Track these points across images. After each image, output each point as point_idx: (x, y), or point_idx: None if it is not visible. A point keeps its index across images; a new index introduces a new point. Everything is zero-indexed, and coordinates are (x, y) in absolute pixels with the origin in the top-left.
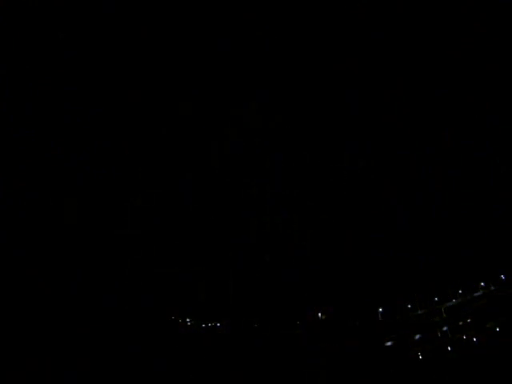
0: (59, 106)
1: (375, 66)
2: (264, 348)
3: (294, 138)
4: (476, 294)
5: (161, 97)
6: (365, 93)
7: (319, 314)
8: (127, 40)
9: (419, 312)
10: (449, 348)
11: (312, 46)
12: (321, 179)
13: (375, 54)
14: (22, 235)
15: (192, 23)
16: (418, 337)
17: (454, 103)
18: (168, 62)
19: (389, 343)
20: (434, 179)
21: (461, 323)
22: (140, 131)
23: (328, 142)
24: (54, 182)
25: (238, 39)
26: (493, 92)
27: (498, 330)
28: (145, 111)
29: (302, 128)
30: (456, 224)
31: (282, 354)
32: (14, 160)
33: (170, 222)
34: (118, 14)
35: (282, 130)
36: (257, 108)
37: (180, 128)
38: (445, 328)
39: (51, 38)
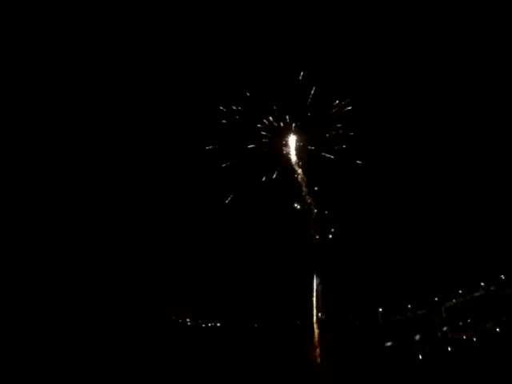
0: (58, 105)
1: (375, 66)
2: (264, 348)
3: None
4: (476, 294)
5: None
6: (365, 93)
7: (319, 314)
8: (126, 40)
9: (419, 312)
10: (449, 348)
11: (311, 47)
12: (320, 178)
13: (375, 54)
14: (21, 234)
15: (192, 24)
16: (417, 337)
17: (453, 103)
18: (167, 63)
19: (389, 343)
20: (434, 179)
21: (461, 323)
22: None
23: (326, 141)
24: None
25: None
26: (493, 92)
27: (497, 330)
28: (144, 111)
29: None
30: (456, 224)
31: (282, 353)
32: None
33: (169, 222)
34: (117, 14)
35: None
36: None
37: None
38: (445, 328)
39: (50, 37)
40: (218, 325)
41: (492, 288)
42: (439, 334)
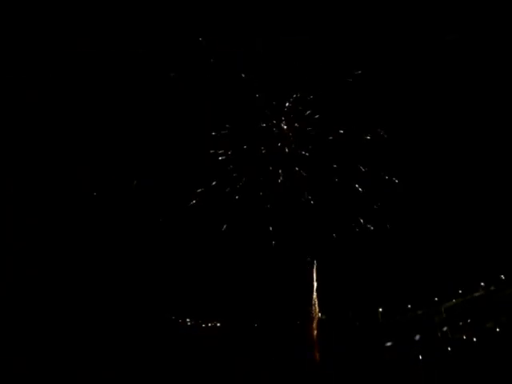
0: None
1: (375, 67)
2: (264, 348)
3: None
4: (476, 294)
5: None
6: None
7: (319, 314)
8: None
9: (419, 312)
10: (449, 348)
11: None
12: (319, 178)
13: (375, 55)
14: (20, 233)
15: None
16: (417, 337)
17: (453, 103)
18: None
19: (389, 343)
20: (434, 178)
21: (461, 323)
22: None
23: (324, 142)
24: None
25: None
26: (493, 92)
27: (497, 329)
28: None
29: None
30: (456, 224)
31: (282, 354)
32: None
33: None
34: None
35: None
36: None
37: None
38: (445, 328)
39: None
40: (218, 325)
41: (492, 288)
42: (439, 334)
